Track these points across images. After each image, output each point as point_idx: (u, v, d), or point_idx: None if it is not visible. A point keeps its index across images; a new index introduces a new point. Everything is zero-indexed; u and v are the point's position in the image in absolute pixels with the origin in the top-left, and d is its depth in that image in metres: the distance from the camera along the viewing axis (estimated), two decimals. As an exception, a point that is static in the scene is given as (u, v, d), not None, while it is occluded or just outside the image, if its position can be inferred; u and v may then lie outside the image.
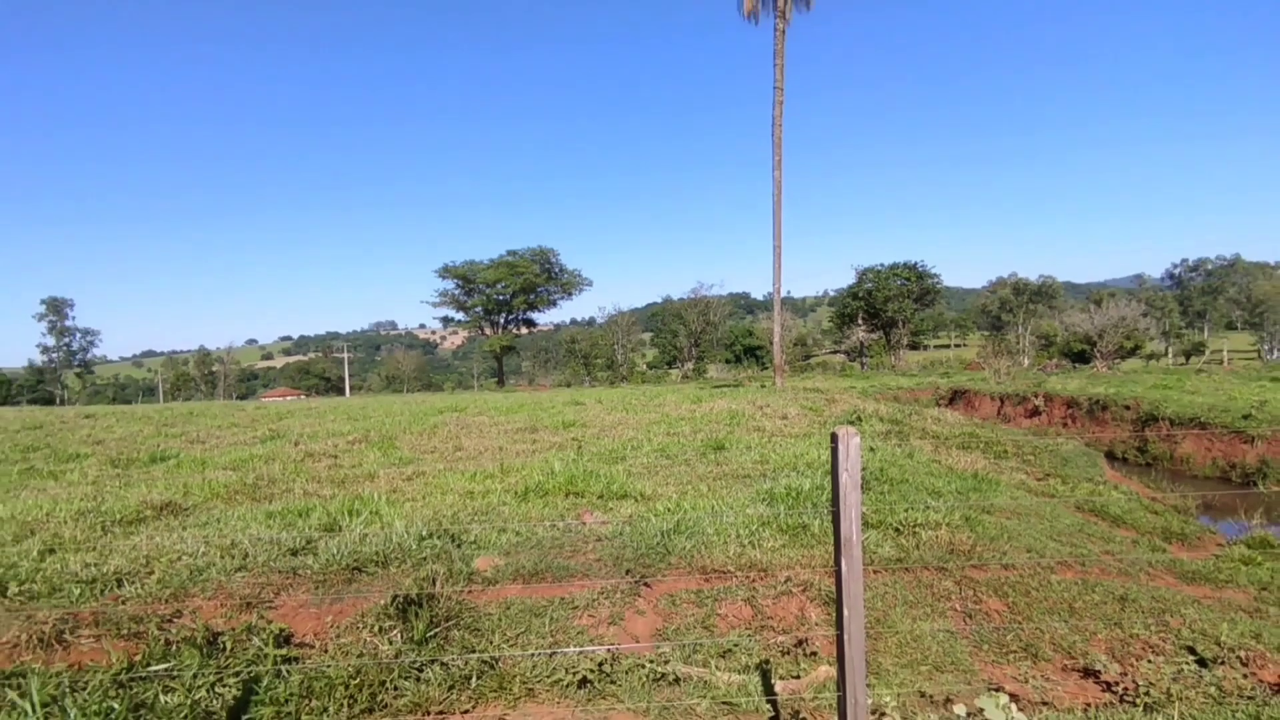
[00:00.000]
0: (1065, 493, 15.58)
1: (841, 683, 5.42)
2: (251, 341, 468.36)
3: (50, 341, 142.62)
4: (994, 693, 6.40)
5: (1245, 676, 7.25)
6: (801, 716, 6.82)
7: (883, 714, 6.62)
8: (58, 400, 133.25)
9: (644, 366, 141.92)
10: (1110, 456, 27.13)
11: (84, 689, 6.48)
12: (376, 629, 7.57)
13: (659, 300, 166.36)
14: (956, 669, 7.67)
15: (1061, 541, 11.34)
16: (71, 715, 6.16)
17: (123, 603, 8.05)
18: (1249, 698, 6.88)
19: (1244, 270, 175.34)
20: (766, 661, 7.59)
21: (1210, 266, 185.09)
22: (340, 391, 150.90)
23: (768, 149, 49.90)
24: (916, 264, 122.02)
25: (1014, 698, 6.88)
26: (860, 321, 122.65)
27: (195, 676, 6.67)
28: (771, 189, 49.31)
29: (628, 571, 9.09)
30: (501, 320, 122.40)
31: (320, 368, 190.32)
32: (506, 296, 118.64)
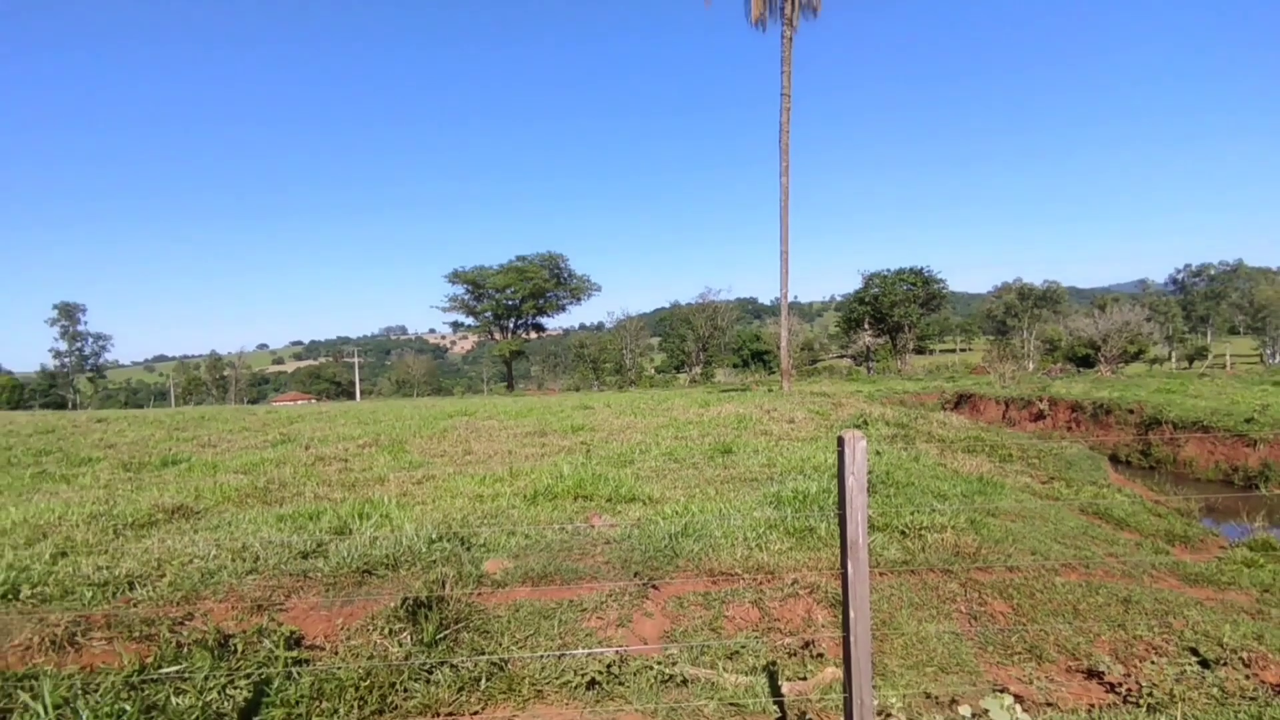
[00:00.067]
0: (1069, 496, 15.59)
1: (848, 684, 5.47)
2: (262, 346, 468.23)
3: (62, 346, 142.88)
4: (999, 694, 6.46)
5: (1247, 677, 7.28)
6: (808, 717, 6.87)
7: (889, 715, 6.67)
8: (70, 404, 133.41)
9: (652, 371, 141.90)
10: (1114, 460, 27.14)
11: (96, 691, 6.53)
12: (386, 631, 7.62)
13: (667, 305, 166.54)
14: (962, 670, 7.72)
15: (1066, 544, 11.36)
16: (83, 717, 6.22)
17: (134, 605, 8.11)
18: (1251, 698, 6.92)
19: (1247, 275, 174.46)
20: (773, 663, 7.63)
21: (1213, 271, 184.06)
22: (350, 396, 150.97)
23: (775, 153, 49.91)
24: (922, 269, 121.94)
25: (1018, 699, 6.92)
26: (866, 326, 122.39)
27: (207, 678, 6.72)
28: (779, 194, 49.29)
29: (636, 574, 9.14)
30: (511, 325, 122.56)
31: (331, 372, 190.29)
32: (516, 301, 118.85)
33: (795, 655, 7.88)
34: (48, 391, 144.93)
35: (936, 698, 7.12)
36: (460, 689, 6.95)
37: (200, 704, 6.48)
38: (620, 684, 7.16)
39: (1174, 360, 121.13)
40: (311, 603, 8.35)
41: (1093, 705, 7.06)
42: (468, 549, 9.99)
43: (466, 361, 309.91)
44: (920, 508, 11.76)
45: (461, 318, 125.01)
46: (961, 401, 48.11)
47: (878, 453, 17.50)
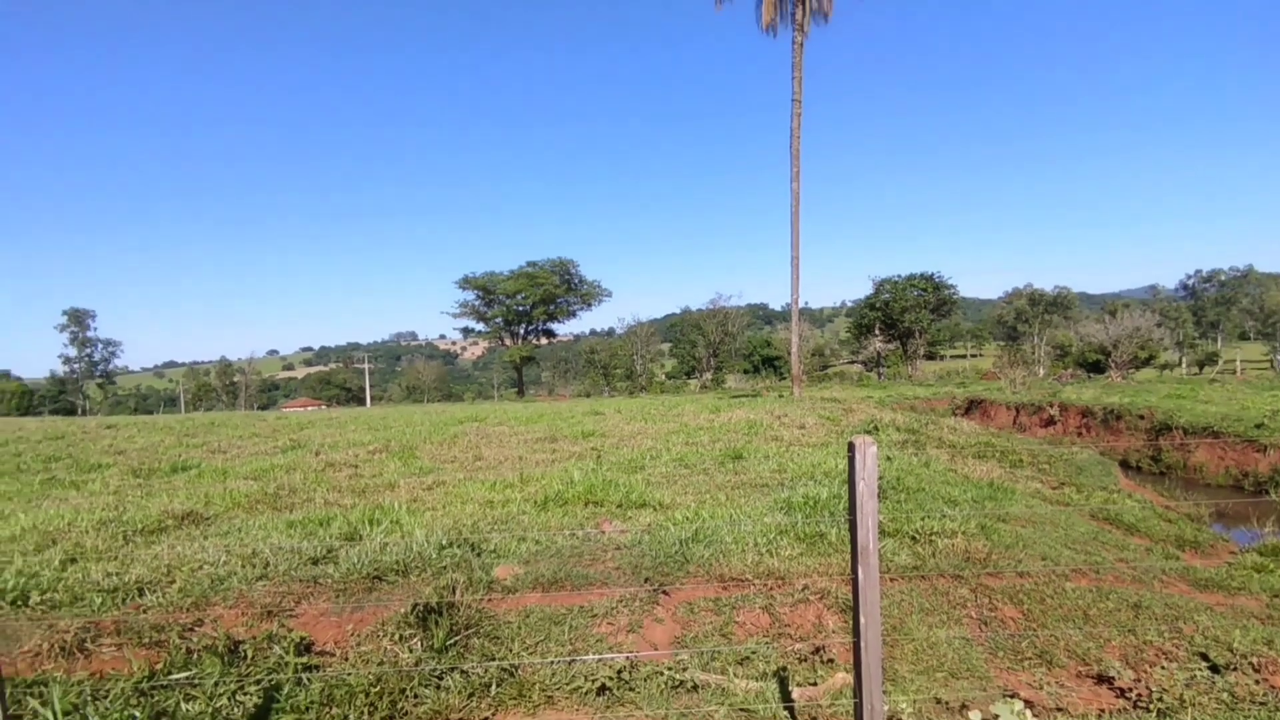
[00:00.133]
0: (1080, 501, 15.58)
1: (858, 689, 5.47)
2: (273, 352, 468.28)
3: (72, 352, 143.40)
4: (1009, 699, 6.45)
5: (1257, 682, 7.26)
6: (818, 723, 6.87)
7: (899, 720, 6.66)
8: (79, 411, 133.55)
9: (663, 377, 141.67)
10: (1124, 465, 27.07)
11: (105, 697, 6.53)
12: (397, 637, 7.62)
13: (678, 311, 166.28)
14: (972, 676, 7.70)
15: (1076, 549, 11.35)
16: (94, 723, 6.24)
17: (144, 611, 8.11)
18: (1261, 703, 6.90)
19: (1257, 281, 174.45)
20: (784, 668, 7.62)
21: (1224, 277, 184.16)
22: (361, 402, 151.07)
23: (786, 159, 50.03)
24: (933, 275, 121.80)
25: (1029, 704, 6.90)
26: (877, 332, 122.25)
27: (216, 685, 6.72)
28: (790, 200, 49.46)
29: (646, 580, 9.14)
30: (521, 331, 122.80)
31: (341, 378, 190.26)
32: (526, 307, 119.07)
33: (806, 661, 7.87)
34: (57, 398, 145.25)
35: (947, 703, 7.10)
36: (471, 695, 6.94)
37: (210, 710, 6.49)
38: (631, 690, 7.15)
39: (1184, 366, 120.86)
40: (322, 609, 8.35)
41: (1103, 710, 7.04)
42: (478, 555, 10.00)
43: (477, 367, 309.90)
44: (931, 513, 11.75)
45: (472, 324, 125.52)
46: (972, 407, 48.07)
47: (888, 458, 17.49)
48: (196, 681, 6.77)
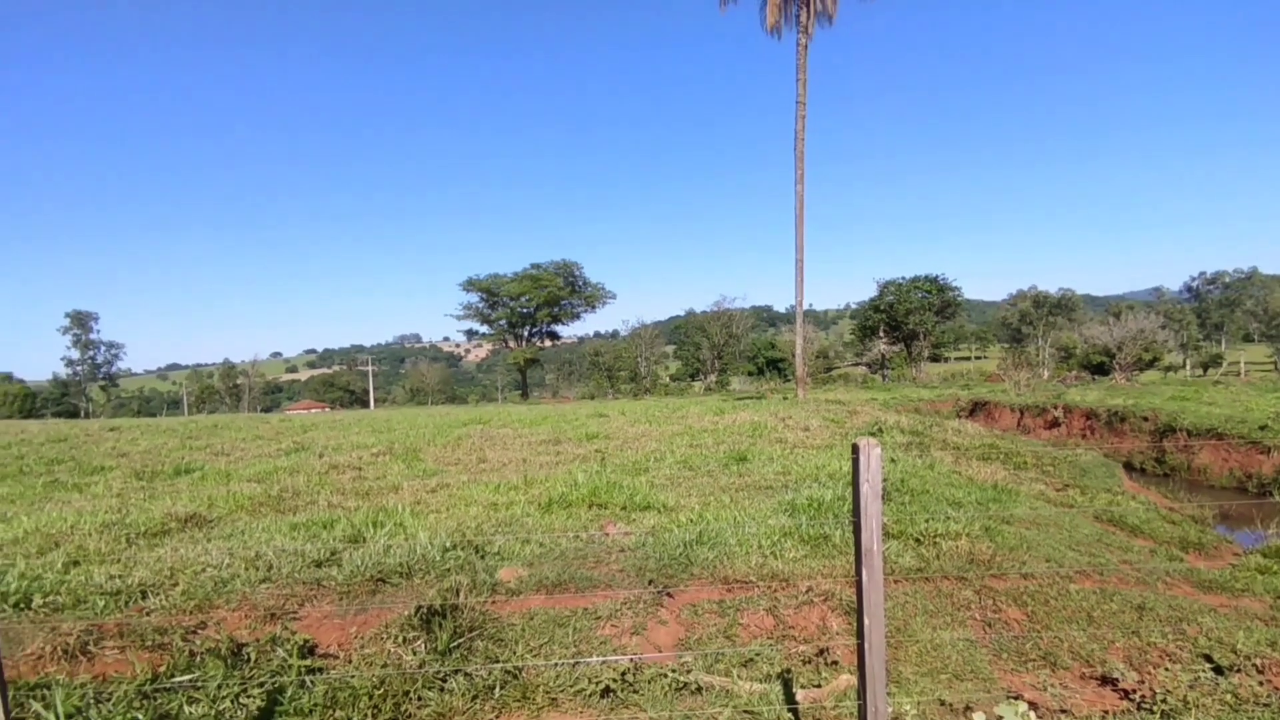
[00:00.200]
0: (1084, 503, 15.56)
1: (862, 691, 5.46)
2: (276, 354, 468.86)
3: (75, 354, 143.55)
4: (1013, 701, 6.45)
5: (1261, 684, 7.26)
6: (822, 725, 6.86)
7: (903, 723, 6.66)
8: (82, 413, 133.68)
9: (667, 379, 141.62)
10: (1128, 467, 27.03)
11: (108, 700, 6.52)
12: (400, 639, 7.62)
13: (682, 313, 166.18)
14: (976, 677, 7.70)
15: (1080, 551, 11.34)
16: (97, 726, 6.24)
17: (147, 614, 8.12)
18: (1265, 705, 6.90)
19: (1261, 283, 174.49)
20: (788, 670, 7.62)
21: (1228, 279, 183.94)
22: (364, 404, 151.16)
23: (790, 161, 50.05)
24: (937, 277, 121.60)
25: (1033, 706, 6.90)
26: (882, 334, 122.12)
27: (220, 687, 6.72)
28: (794, 202, 49.48)
29: (650, 582, 9.13)
30: (525, 333, 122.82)
31: (345, 380, 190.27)
32: (530, 309, 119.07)
33: (810, 663, 7.86)
34: (60, 400, 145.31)
35: (951, 705, 7.10)
36: (474, 697, 6.94)
37: (213, 713, 6.49)
38: (635, 692, 7.15)
39: (1188, 368, 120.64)
40: (325, 611, 8.35)
41: (1107, 712, 7.04)
42: (482, 557, 9.99)
43: (481, 370, 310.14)
44: (935, 515, 11.74)
45: (476, 326, 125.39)
46: (976, 409, 48.02)
47: (892, 460, 17.47)
48: (200, 684, 6.77)
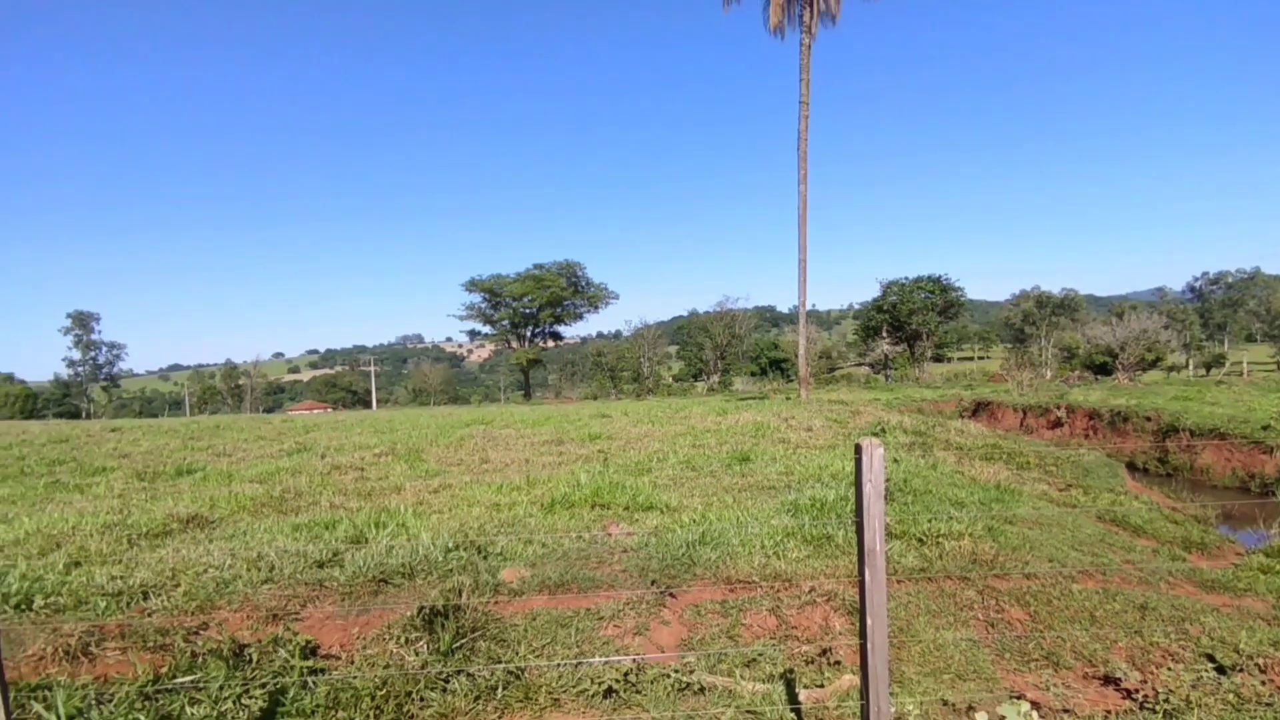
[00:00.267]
0: (1087, 503, 15.55)
1: (865, 691, 5.45)
2: (278, 355, 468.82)
3: (76, 355, 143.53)
4: (1016, 700, 6.44)
5: (1263, 683, 7.25)
6: (825, 726, 6.85)
7: (906, 723, 6.65)
8: (84, 414, 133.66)
9: (670, 379, 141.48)
10: (1131, 467, 26.99)
11: (110, 701, 6.52)
12: (403, 640, 7.61)
13: (685, 313, 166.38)
14: (979, 677, 7.69)
15: (1083, 551, 11.34)
16: (99, 727, 6.24)
17: (149, 615, 8.12)
18: (1267, 704, 6.89)
19: (1264, 283, 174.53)
20: (790, 671, 7.61)
21: (1230, 279, 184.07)
22: (367, 405, 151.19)
23: (793, 161, 50.09)
24: (940, 277, 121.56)
25: (1035, 705, 6.89)
26: (885, 334, 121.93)
27: (221, 688, 6.71)
28: (797, 203, 49.56)
29: (653, 582, 9.13)
30: (528, 333, 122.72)
31: (347, 381, 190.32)
32: (533, 310, 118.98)
33: (812, 663, 7.86)
34: (61, 401, 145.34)
35: (954, 705, 7.10)
36: (477, 698, 6.93)
37: (215, 714, 6.48)
38: (637, 692, 7.15)
39: (1191, 368, 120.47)
40: (327, 612, 8.35)
41: (1109, 712, 7.04)
42: (484, 558, 9.99)
43: (483, 370, 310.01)
44: (938, 515, 11.73)
45: (478, 326, 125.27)
46: (979, 409, 48.00)
47: (895, 460, 17.47)
48: (201, 685, 6.76)
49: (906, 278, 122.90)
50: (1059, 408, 40.02)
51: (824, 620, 8.60)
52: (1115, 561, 11.00)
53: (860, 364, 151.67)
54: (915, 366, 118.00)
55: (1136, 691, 7.29)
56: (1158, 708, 6.92)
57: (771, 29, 49.72)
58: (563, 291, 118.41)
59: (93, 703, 6.46)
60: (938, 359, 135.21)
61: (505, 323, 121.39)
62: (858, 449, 5.32)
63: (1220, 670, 7.59)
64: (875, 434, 24.40)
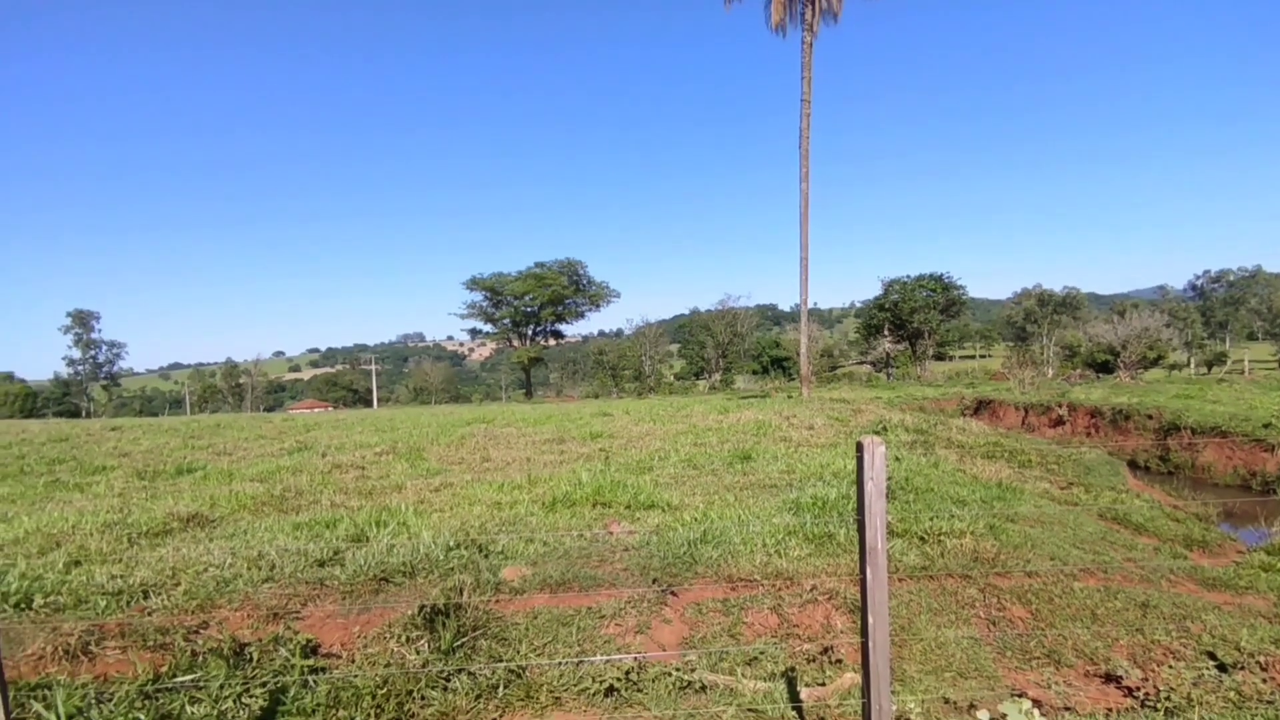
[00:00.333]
0: (1088, 501, 15.54)
1: (866, 689, 5.45)
2: (279, 354, 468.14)
3: (76, 354, 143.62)
4: (1017, 698, 6.43)
5: (1264, 681, 7.25)
6: (826, 724, 6.85)
7: (907, 721, 6.65)
8: (84, 413, 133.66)
9: (671, 378, 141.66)
10: (1133, 465, 26.99)
11: (110, 700, 6.50)
12: (404, 639, 7.60)
13: (686, 312, 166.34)
14: (980, 675, 7.69)
15: (1084, 549, 11.33)
16: (98, 726, 6.23)
17: (149, 614, 8.11)
18: (1268, 702, 6.88)
19: (1265, 281, 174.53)
20: (792, 669, 7.61)
21: (1232, 278, 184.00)
22: (368, 403, 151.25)
23: (795, 159, 50.10)
24: (942, 275, 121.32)
25: (1037, 703, 6.88)
26: (886, 333, 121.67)
27: (222, 687, 6.70)
28: (799, 201, 49.55)
29: (654, 581, 9.13)
30: (529, 332, 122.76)
31: (348, 380, 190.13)
32: (534, 308, 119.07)
33: (814, 661, 7.86)
34: (61, 400, 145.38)
35: (955, 703, 7.09)
36: (478, 696, 6.92)
37: (215, 713, 6.47)
38: (639, 691, 7.14)
39: (1193, 366, 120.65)
40: (328, 611, 8.34)
41: (1110, 709, 7.03)
42: (485, 556, 9.99)
43: (485, 369, 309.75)
44: (939, 513, 11.73)
45: (480, 325, 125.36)
46: (981, 408, 47.99)
47: (897, 459, 17.47)
48: (202, 684, 6.75)
49: (908, 276, 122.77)
50: (1060, 406, 40.03)
51: (825, 618, 8.60)
52: (1117, 559, 11.00)
53: (862, 362, 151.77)
54: (917, 365, 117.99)
55: (1138, 689, 7.30)
56: (1159, 705, 6.92)
57: (773, 27, 49.77)
58: (564, 290, 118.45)
59: (92, 702, 6.45)
60: (939, 357, 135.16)
61: (506, 321, 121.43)
62: (859, 447, 5.31)
63: (1221, 668, 7.59)
64: (877, 432, 24.41)
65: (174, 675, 6.89)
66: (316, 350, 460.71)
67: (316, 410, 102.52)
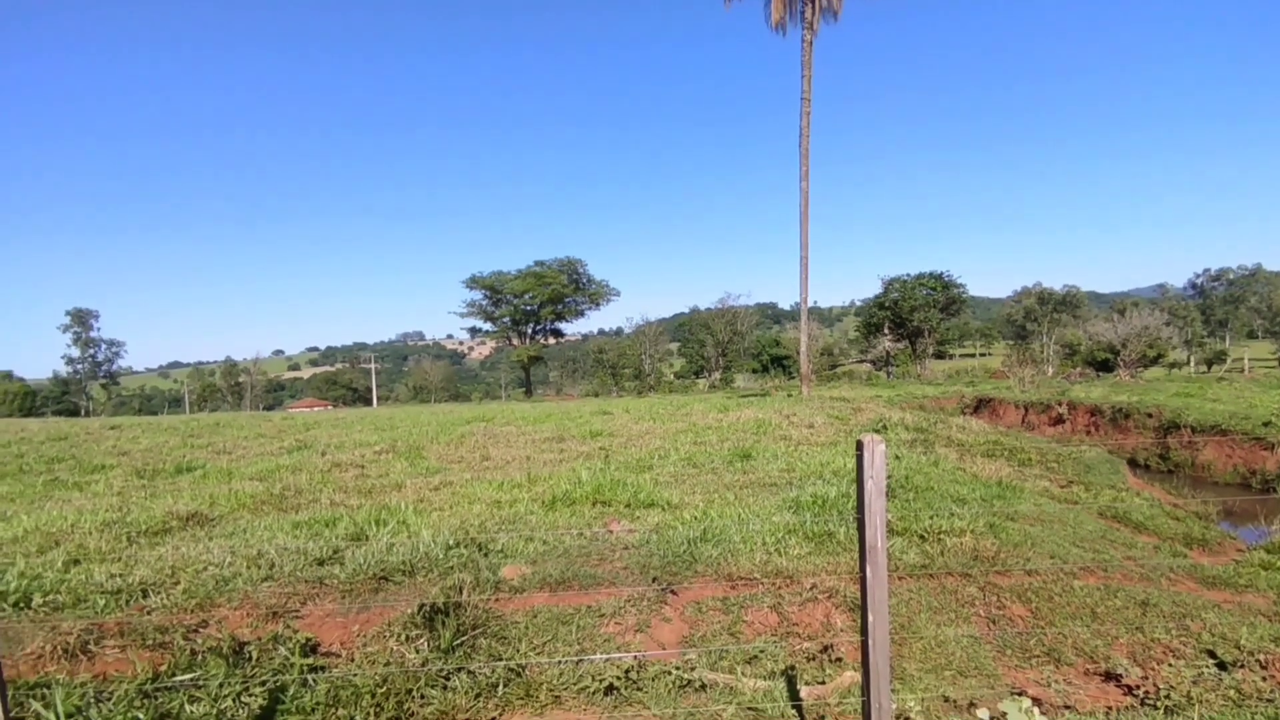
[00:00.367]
0: (1088, 499, 15.52)
1: (866, 688, 5.44)
2: (278, 352, 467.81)
3: (75, 353, 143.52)
4: (1017, 697, 6.42)
5: (1264, 679, 7.25)
6: (826, 722, 6.84)
7: (907, 719, 6.64)
8: (83, 412, 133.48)
9: (671, 376, 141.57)
10: (1133, 463, 26.97)
11: (109, 699, 6.50)
12: (403, 638, 7.60)
13: (686, 310, 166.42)
14: (980, 674, 7.68)
15: (1084, 547, 11.32)
16: (97, 725, 6.22)
17: (148, 613, 8.10)
18: (1268, 700, 6.88)
19: (1265, 279, 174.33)
20: (792, 667, 7.60)
21: (1232, 276, 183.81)
22: (367, 402, 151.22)
23: (795, 158, 50.10)
24: (942, 274, 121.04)
25: (1037, 702, 6.88)
26: (886, 331, 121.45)
27: (221, 686, 6.70)
28: (799, 199, 49.53)
29: (654, 579, 9.12)
30: (529, 330, 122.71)
31: (347, 378, 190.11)
32: (534, 307, 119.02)
33: (814, 659, 7.85)
34: (60, 398, 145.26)
35: (955, 701, 7.09)
36: (478, 695, 6.91)
37: (215, 712, 6.47)
38: (638, 689, 7.13)
39: (1193, 364, 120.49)
40: (327, 610, 8.34)
41: (1110, 708, 7.03)
42: (485, 555, 9.98)
43: (484, 367, 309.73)
44: (939, 512, 11.73)
45: (479, 323, 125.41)
46: (981, 406, 47.93)
47: (897, 457, 17.47)
48: (201, 683, 6.75)
49: (908, 274, 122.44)
50: (1060, 404, 39.99)
51: (825, 617, 8.59)
52: (1116, 558, 10.99)
53: (862, 361, 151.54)
54: (917, 363, 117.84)
55: (1138, 687, 7.30)
56: (1159, 704, 6.91)
57: (773, 25, 49.77)
58: (564, 288, 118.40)
59: (91, 701, 6.44)
60: (939, 356, 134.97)
61: (506, 320, 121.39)
62: (859, 446, 5.31)
63: (1221, 666, 7.60)
64: (877, 431, 24.40)
65: (173, 674, 6.88)
66: (316, 349, 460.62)
67: (316, 409, 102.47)
